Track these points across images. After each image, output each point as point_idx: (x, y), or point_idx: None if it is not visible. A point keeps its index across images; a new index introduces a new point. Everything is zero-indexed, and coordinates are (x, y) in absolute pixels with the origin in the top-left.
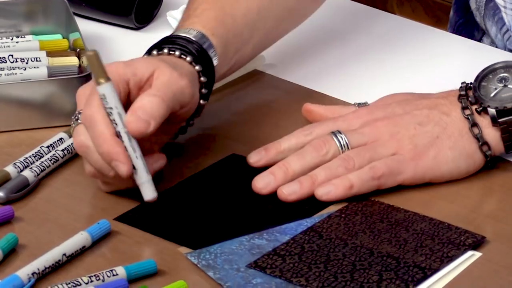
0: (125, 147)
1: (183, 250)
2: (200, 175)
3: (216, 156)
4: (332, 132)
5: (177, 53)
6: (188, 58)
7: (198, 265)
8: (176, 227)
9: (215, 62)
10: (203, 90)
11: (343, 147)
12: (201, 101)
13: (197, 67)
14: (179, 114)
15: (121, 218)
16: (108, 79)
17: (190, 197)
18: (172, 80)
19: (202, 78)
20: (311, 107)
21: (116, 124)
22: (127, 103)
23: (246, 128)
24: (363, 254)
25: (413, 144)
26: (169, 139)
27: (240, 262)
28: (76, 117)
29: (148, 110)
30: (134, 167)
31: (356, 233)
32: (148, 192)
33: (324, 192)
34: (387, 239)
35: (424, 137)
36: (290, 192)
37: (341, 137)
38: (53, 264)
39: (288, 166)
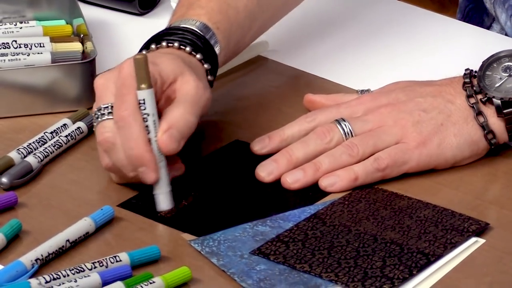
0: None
1: (187, 237)
2: (203, 161)
3: (219, 142)
4: (336, 120)
5: (187, 49)
6: (198, 56)
7: (202, 252)
8: (179, 214)
9: (217, 51)
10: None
11: (347, 134)
12: None
13: (206, 66)
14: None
15: (124, 205)
16: (150, 85)
17: (193, 183)
18: (199, 92)
19: (209, 77)
20: (313, 97)
21: (149, 131)
22: None
23: (249, 114)
24: (366, 240)
25: (418, 131)
26: None
27: (244, 248)
28: (100, 112)
29: (181, 129)
30: None
31: (359, 220)
32: (166, 203)
33: (328, 183)
34: (391, 226)
35: (429, 124)
36: (293, 180)
37: (345, 125)
38: (56, 250)
39: (292, 153)
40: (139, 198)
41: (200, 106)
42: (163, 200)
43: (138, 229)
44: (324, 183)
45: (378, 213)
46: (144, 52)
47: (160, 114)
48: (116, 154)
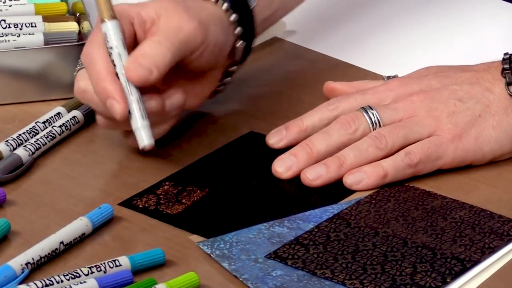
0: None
1: (195, 238)
2: (214, 155)
3: (231, 134)
4: (362, 108)
5: None
6: (225, 5)
7: (212, 255)
8: (187, 213)
9: (253, 3)
10: (239, 43)
11: (374, 124)
12: (239, 44)
13: (233, 16)
14: (192, 60)
15: (126, 203)
16: (113, 17)
17: (203, 179)
18: (179, 24)
19: (238, 29)
20: (333, 85)
21: (115, 64)
22: (134, 46)
23: (265, 102)
24: (395, 244)
25: (453, 122)
26: (210, 91)
27: (258, 252)
28: (79, 65)
29: (151, 57)
30: (129, 112)
31: (388, 221)
32: (144, 138)
33: (354, 181)
34: (423, 228)
35: (465, 115)
36: (314, 176)
37: (372, 113)
38: (49, 253)
39: (312, 146)
40: (142, 195)
41: (178, 36)
42: (142, 135)
43: (140, 230)
44: (349, 181)
45: (408, 214)
46: None
47: None
48: (91, 100)
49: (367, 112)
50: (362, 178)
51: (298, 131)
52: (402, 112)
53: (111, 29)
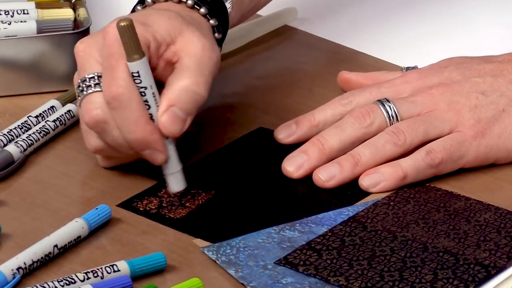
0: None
1: (199, 243)
2: (220, 153)
3: (239, 130)
4: (378, 100)
5: (189, 2)
6: (203, 10)
7: (217, 262)
8: (190, 215)
9: (228, 5)
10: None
11: (391, 117)
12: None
13: (212, 21)
14: None
15: (125, 205)
16: (142, 54)
17: (208, 179)
18: (206, 54)
19: (216, 35)
20: (348, 75)
21: (149, 106)
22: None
23: (275, 95)
24: (415, 249)
25: (475, 118)
26: None
27: (268, 258)
28: (85, 84)
29: (186, 106)
30: None
31: (407, 224)
32: (178, 183)
33: (371, 183)
34: (444, 232)
35: (488, 109)
36: (327, 176)
37: (389, 106)
38: (42, 258)
39: (324, 142)
40: (143, 197)
41: (210, 71)
42: (174, 181)
43: (140, 233)
44: (365, 183)
45: (429, 216)
46: (138, 7)
47: (161, 83)
48: (110, 134)
49: (383, 105)
50: (380, 180)
51: (309, 126)
52: (421, 106)
53: (143, 68)
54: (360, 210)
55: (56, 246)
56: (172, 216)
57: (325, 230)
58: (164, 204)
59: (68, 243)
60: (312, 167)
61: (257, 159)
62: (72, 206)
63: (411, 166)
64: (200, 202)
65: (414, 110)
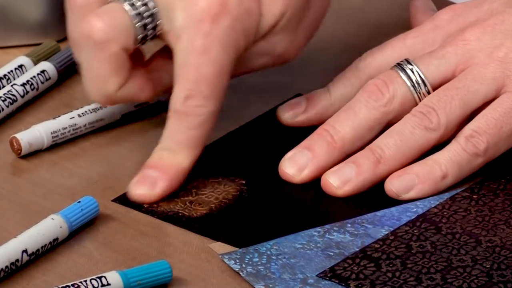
0: None
1: (217, 248)
2: (237, 134)
3: (260, 108)
4: (397, 64)
5: None
6: None
7: (241, 274)
8: (204, 212)
9: None
10: None
11: (416, 85)
12: None
13: None
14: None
15: (123, 200)
16: None
17: (225, 166)
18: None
19: None
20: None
21: None
22: None
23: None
24: (504, 258)
25: None
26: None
27: (309, 269)
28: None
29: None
30: None
31: (494, 226)
32: None
33: (401, 188)
34: None
35: None
36: (341, 181)
37: (411, 69)
38: (7, 267)
39: (334, 132)
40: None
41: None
42: None
43: (138, 234)
44: (395, 188)
45: None
46: None
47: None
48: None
49: (403, 70)
50: (413, 183)
51: (323, 106)
52: (454, 60)
53: None
54: (433, 205)
55: (25, 251)
56: (187, 214)
57: (386, 232)
58: (176, 199)
59: (42, 247)
60: (320, 168)
61: (290, 139)
62: (46, 199)
63: (451, 161)
64: (224, 196)
65: (446, 69)
